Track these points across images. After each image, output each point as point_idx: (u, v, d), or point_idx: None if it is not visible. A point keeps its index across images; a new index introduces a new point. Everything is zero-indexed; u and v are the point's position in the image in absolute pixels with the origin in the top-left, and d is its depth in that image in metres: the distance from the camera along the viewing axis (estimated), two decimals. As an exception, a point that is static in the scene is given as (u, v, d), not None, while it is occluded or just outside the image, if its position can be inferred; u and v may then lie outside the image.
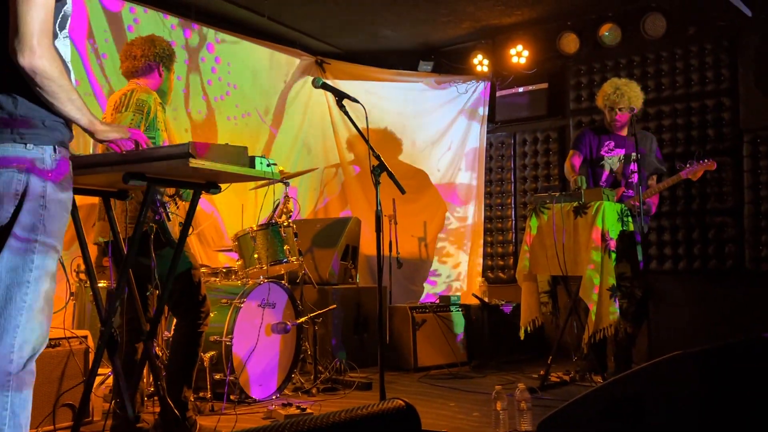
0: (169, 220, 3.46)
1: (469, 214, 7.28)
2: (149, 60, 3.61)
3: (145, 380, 3.89)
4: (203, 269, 5.05)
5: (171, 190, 3.55)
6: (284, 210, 4.92)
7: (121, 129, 2.37)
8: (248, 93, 6.74)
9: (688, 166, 4.94)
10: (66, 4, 2.12)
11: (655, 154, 5.11)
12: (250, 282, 4.55)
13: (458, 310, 6.05)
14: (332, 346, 5.55)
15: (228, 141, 6.30)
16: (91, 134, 2.22)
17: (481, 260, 7.22)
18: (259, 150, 6.68)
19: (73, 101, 2.06)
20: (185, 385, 3.59)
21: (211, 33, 6.35)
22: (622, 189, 4.95)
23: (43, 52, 1.95)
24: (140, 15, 5.77)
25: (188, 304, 3.59)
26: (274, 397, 4.48)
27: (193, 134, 6.10)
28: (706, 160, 4.93)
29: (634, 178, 4.90)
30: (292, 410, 3.99)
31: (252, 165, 2.58)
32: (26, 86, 2.01)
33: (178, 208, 3.57)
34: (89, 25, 5.44)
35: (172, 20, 6.02)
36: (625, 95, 4.92)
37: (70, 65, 2.15)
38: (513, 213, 7.24)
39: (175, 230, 3.50)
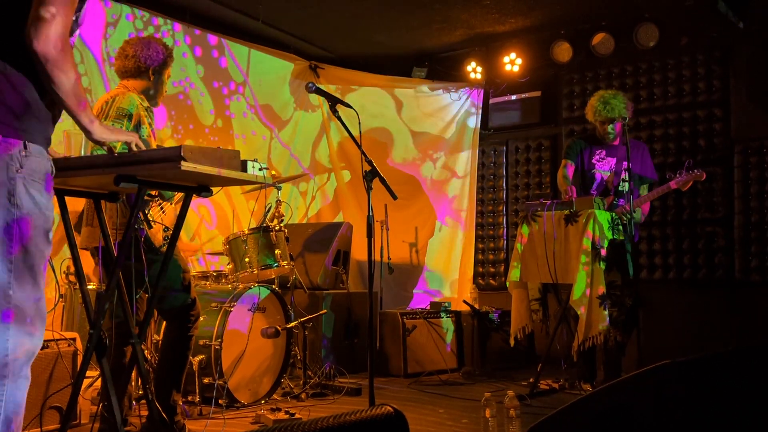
0: (150, 227, 3.44)
1: (461, 220, 7.29)
2: (139, 62, 3.55)
3: (133, 383, 3.87)
4: (193, 272, 5.05)
5: (152, 192, 3.51)
6: (276, 214, 4.92)
7: (120, 133, 2.36)
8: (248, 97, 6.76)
9: (677, 176, 4.96)
10: (80, 11, 2.11)
11: (646, 163, 5.12)
12: (241, 286, 4.54)
13: (449, 317, 6.05)
14: (323, 346, 5.53)
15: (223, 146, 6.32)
16: (88, 133, 2.20)
17: (472, 267, 7.23)
18: (253, 155, 6.68)
19: (77, 96, 2.05)
20: (174, 389, 3.57)
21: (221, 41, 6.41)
22: (611, 197, 4.97)
23: (58, 42, 1.94)
24: (138, 22, 5.77)
25: (178, 307, 3.58)
26: (262, 402, 4.46)
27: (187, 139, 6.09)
28: (695, 171, 4.95)
29: (625, 186, 4.91)
30: (281, 415, 3.98)
31: (244, 169, 2.58)
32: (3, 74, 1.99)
33: (164, 212, 3.55)
34: (105, 27, 5.51)
35: (166, 28, 6.02)
36: (615, 108, 4.94)
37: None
38: (504, 220, 7.25)
39: (158, 236, 3.47)
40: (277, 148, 7.10)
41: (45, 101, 2.06)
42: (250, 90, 6.82)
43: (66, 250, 4.49)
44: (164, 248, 3.47)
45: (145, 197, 3.50)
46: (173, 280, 3.52)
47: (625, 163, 4.82)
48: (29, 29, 1.94)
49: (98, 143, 2.30)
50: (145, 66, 3.58)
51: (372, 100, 7.45)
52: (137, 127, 3.42)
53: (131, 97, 3.46)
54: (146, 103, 3.60)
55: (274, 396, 4.61)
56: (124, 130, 2.53)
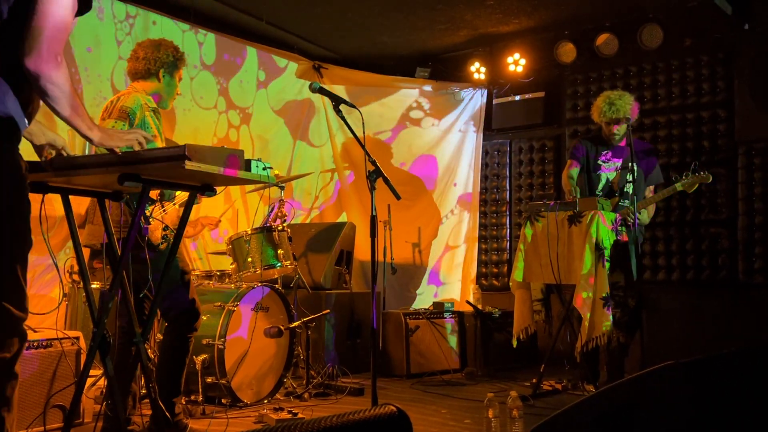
0: (148, 223, 3.44)
1: (464, 221, 7.29)
2: (149, 64, 3.59)
3: (138, 382, 3.87)
4: (196, 272, 5.06)
5: (154, 194, 3.52)
6: (279, 214, 4.92)
7: (120, 137, 2.36)
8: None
9: (683, 178, 4.95)
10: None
11: (652, 165, 5.11)
12: (244, 286, 4.54)
13: (451, 317, 6.05)
14: (326, 346, 5.53)
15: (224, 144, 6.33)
16: (89, 140, 2.22)
17: (475, 267, 7.22)
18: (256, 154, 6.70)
19: (74, 107, 2.06)
20: (173, 390, 3.56)
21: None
22: (617, 199, 4.96)
23: (51, 58, 1.95)
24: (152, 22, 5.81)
25: (177, 307, 3.57)
26: (265, 402, 4.47)
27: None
28: (701, 173, 4.94)
29: (630, 188, 4.91)
30: (284, 415, 3.98)
31: (248, 168, 2.58)
32: None
33: (164, 212, 3.55)
34: (116, 28, 5.57)
35: (179, 26, 6.03)
36: (620, 109, 4.93)
37: None
38: (508, 221, 7.24)
39: (155, 234, 3.48)
40: (279, 148, 7.12)
41: (19, 99, 2.05)
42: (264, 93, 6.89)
43: (69, 249, 4.50)
44: (163, 245, 3.48)
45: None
46: (173, 280, 3.52)
47: (630, 164, 4.81)
48: (22, 46, 1.94)
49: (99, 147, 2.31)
50: (155, 68, 3.60)
51: (375, 100, 7.45)
52: (141, 127, 3.43)
53: (135, 97, 3.47)
54: (153, 104, 3.60)
55: (277, 396, 4.61)
56: (124, 130, 2.53)
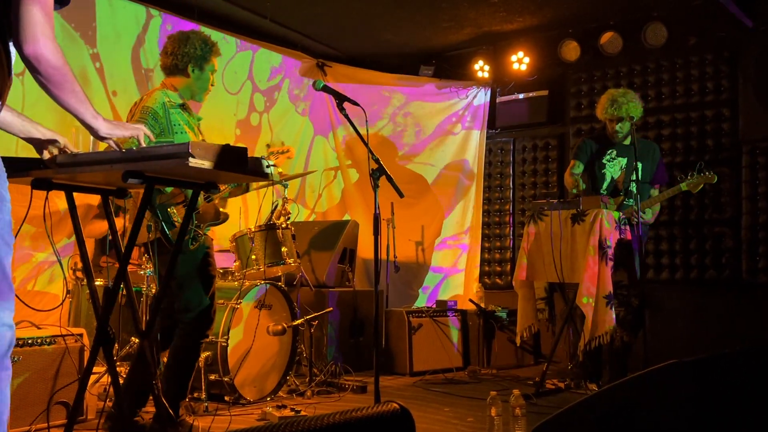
0: (173, 227, 3.42)
1: (467, 219, 7.28)
2: (176, 59, 3.52)
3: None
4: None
5: (180, 198, 3.48)
6: (282, 212, 4.92)
7: (126, 128, 2.35)
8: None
9: (689, 177, 4.94)
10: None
11: (657, 164, 5.10)
12: (247, 283, 4.55)
13: (454, 316, 6.05)
14: (329, 344, 5.53)
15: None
16: (94, 130, 2.20)
17: (478, 266, 7.22)
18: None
19: (76, 93, 2.06)
20: (180, 393, 3.55)
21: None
22: (621, 197, 4.96)
23: (46, 41, 1.96)
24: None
25: (194, 311, 3.54)
26: (268, 399, 4.48)
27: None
28: (707, 173, 4.93)
29: (634, 186, 4.89)
30: (287, 412, 3.98)
31: (251, 166, 2.57)
32: None
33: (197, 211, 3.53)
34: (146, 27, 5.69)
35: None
36: (622, 106, 4.92)
37: None
38: (511, 219, 7.24)
39: None
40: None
41: None
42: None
43: (72, 246, 4.51)
44: (193, 246, 3.46)
45: (168, 209, 3.48)
46: (190, 280, 3.49)
47: (635, 162, 4.80)
48: (17, 34, 1.94)
49: (104, 140, 2.30)
50: (183, 63, 3.54)
51: (379, 98, 7.44)
52: (168, 124, 3.40)
53: (157, 95, 3.44)
54: (179, 101, 3.55)
55: (280, 393, 4.62)
56: (130, 123, 2.52)
